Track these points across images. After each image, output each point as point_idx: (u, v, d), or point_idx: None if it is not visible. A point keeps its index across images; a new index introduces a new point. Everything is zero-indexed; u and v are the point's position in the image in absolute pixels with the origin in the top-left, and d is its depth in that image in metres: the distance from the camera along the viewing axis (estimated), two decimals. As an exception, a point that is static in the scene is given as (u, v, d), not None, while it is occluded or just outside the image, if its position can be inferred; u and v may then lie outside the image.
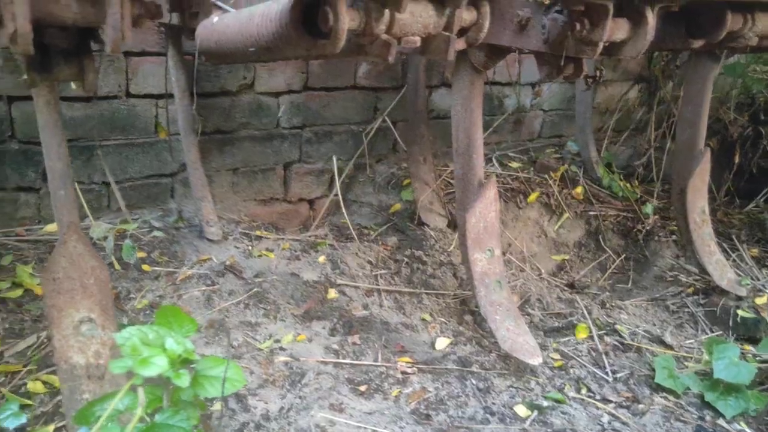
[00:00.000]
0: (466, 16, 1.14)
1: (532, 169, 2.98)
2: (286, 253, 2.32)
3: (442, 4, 1.11)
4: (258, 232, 2.42)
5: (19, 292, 1.90)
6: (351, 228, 2.50)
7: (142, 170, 2.37)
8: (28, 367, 1.63)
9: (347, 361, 1.81)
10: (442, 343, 1.96)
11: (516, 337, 1.79)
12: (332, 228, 2.56)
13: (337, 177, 2.61)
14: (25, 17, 0.81)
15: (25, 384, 1.58)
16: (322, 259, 2.31)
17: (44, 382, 1.59)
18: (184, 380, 0.98)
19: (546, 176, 2.92)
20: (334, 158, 2.65)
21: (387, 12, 1.07)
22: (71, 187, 1.30)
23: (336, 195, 2.60)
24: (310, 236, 2.47)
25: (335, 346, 1.87)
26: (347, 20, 1.05)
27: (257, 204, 2.60)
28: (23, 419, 1.20)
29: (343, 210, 2.55)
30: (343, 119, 2.71)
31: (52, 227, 2.18)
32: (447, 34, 1.13)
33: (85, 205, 2.21)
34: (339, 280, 2.20)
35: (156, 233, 2.26)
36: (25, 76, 2.12)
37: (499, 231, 1.87)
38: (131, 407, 0.97)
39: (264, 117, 2.53)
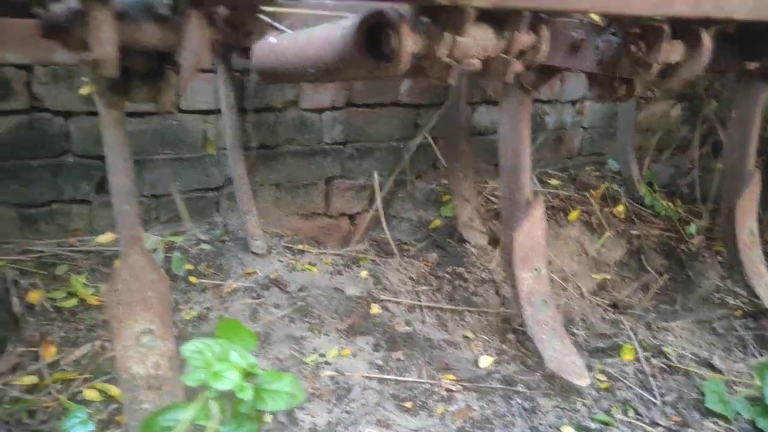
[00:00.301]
0: (525, 39, 1.15)
1: (572, 187, 2.96)
2: (328, 268, 2.35)
3: (502, 28, 1.13)
4: (300, 246, 2.45)
5: (73, 301, 1.96)
6: (392, 243, 2.51)
7: (189, 184, 2.43)
8: (83, 375, 1.68)
9: (392, 377, 1.82)
10: (485, 361, 1.96)
11: (563, 357, 1.79)
12: (373, 243, 2.58)
13: (377, 192, 2.63)
14: (112, 43, 0.85)
15: (81, 392, 1.62)
16: (364, 274, 2.33)
17: (99, 390, 1.63)
18: (248, 394, 1.01)
19: (586, 194, 2.90)
20: (375, 174, 2.67)
21: (448, 35, 1.09)
22: (134, 202, 1.34)
23: (376, 210, 2.62)
24: (351, 251, 2.49)
25: (379, 362, 1.88)
26: (410, 44, 1.07)
27: (299, 218, 2.64)
28: (91, 427, 1.23)
29: (384, 225, 2.57)
30: (384, 135, 2.74)
31: (103, 238, 2.25)
32: (506, 56, 1.15)
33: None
34: (381, 295, 2.21)
35: (203, 246, 2.31)
36: (82, 91, 2.20)
37: (546, 250, 1.87)
38: (198, 419, 1.00)
39: (307, 133, 2.58)
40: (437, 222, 2.68)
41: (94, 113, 2.18)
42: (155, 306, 1.36)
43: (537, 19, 1.21)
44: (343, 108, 2.62)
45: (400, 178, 2.76)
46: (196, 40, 0.89)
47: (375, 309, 2.15)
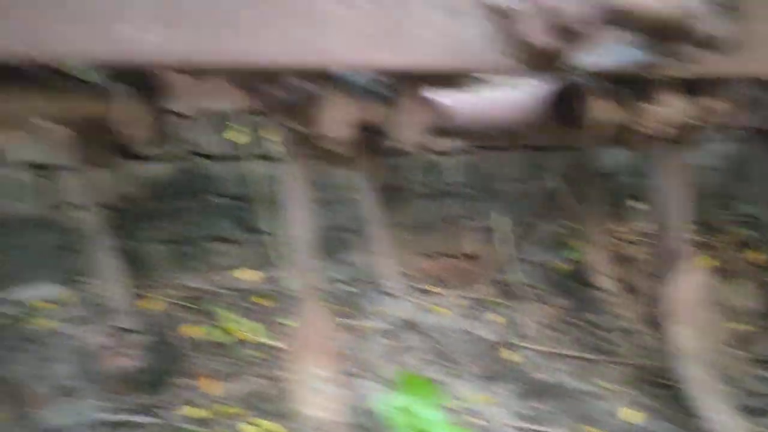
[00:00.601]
0: (714, 103, 1.15)
1: (703, 231, 2.86)
2: (458, 310, 2.37)
3: (694, 94, 1.14)
4: (429, 287, 2.50)
5: (225, 336, 2.08)
6: (517, 286, 2.51)
7: (324, 225, 2.53)
8: (241, 410, 1.77)
9: (536, 427, 1.80)
10: (628, 414, 1.91)
11: (717, 415, 1.72)
12: (498, 285, 2.59)
13: (502, 234, 2.64)
14: (345, 123, 0.93)
15: (239, 426, 1.72)
16: (493, 317, 2.34)
17: (257, 426, 1.72)
18: (444, 450, 1.04)
19: (717, 238, 2.79)
20: (500, 216, 2.69)
21: (639, 104, 1.11)
22: (313, 253, 1.43)
23: (501, 252, 2.63)
24: (478, 293, 2.51)
25: (521, 410, 1.87)
26: (602, 112, 1.10)
27: (425, 259, 2.69)
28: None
29: (509, 268, 2.58)
30: (509, 177, 2.75)
31: (248, 275, 2.38)
32: (694, 122, 1.15)
33: (271, 255, 2.39)
34: (514, 340, 2.21)
35: (338, 286, 2.39)
36: (227, 133, 2.34)
37: (702, 304, 1.81)
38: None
39: (434, 175, 2.63)
40: (563, 265, 2.65)
41: (239, 157, 2.33)
42: (330, 352, 1.44)
43: (722, 82, 1.21)
44: (469, 150, 2.66)
45: (525, 220, 2.76)
46: (415, 118, 0.96)
47: (508, 354, 2.15)
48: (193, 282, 2.33)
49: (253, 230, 2.39)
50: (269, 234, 2.38)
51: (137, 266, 2.27)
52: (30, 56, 0.69)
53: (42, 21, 0.70)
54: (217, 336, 2.08)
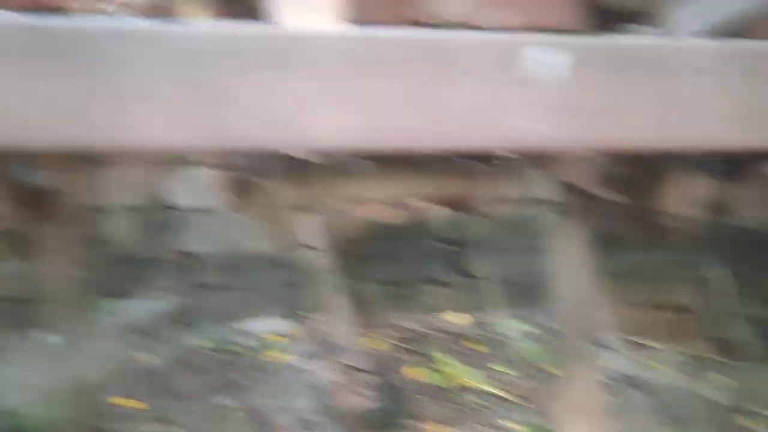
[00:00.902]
0: None
1: None
2: (676, 366, 2.26)
3: None
4: (640, 340, 2.40)
5: (446, 381, 2.13)
6: (739, 345, 2.35)
7: (523, 270, 2.52)
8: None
9: None
10: None
11: None
12: (717, 342, 2.43)
13: (719, 286, 2.49)
14: (693, 202, 0.94)
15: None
16: (717, 377, 2.21)
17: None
18: None
19: None
20: (717, 266, 2.54)
21: None
22: (582, 314, 1.43)
23: (718, 306, 2.48)
24: (696, 350, 2.37)
25: (773, 488, 1.74)
26: None
27: (634, 309, 2.59)
28: None
29: (728, 323, 2.42)
30: (726, 224, 2.60)
31: (457, 318, 2.43)
32: None
33: (482, 300, 2.42)
34: (746, 405, 2.07)
35: (545, 333, 2.37)
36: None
37: None
38: None
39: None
40: (791, 324, 2.45)
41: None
42: (594, 415, 1.43)
43: None
44: (678, 196, 2.55)
45: (745, 272, 2.58)
46: (758, 194, 0.95)
47: (743, 421, 2.01)
48: (408, 323, 2.41)
49: (466, 274, 2.44)
50: (481, 278, 2.42)
51: (357, 305, 2.39)
52: (435, 148, 0.76)
53: (438, 116, 0.76)
54: (437, 379, 2.13)
